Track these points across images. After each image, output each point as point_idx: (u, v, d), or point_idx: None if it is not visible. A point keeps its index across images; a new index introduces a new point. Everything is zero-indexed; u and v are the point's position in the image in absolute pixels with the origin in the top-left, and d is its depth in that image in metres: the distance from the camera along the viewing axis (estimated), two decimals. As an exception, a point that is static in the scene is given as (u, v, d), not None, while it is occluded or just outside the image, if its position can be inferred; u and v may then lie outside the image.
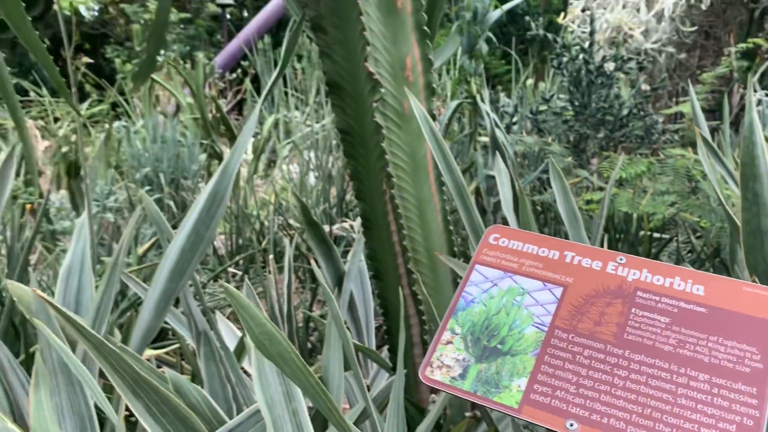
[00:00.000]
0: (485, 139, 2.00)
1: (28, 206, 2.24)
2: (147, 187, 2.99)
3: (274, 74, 1.06)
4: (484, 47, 1.87)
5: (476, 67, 1.90)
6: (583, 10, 4.32)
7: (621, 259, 0.55)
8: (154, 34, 2.77)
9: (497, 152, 1.56)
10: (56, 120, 5.07)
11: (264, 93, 1.13)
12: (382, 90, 1.01)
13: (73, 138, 4.13)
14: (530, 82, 4.29)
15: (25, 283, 1.47)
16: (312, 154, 4.11)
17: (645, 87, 3.01)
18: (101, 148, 3.79)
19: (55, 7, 1.46)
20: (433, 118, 1.07)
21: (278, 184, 4.01)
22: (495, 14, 1.89)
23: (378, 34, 0.99)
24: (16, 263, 1.54)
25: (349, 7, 0.99)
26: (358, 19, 0.98)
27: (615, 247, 2.13)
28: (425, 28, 1.03)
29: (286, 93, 5.94)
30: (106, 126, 4.37)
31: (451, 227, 1.11)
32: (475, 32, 1.84)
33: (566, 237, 1.47)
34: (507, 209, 0.98)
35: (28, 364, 1.38)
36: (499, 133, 1.90)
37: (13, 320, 1.46)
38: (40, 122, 4.74)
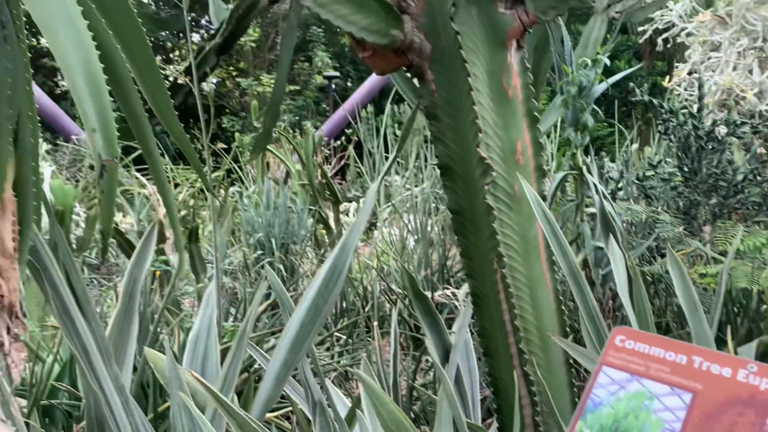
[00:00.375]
0: (592, 210, 1.98)
1: (157, 273, 2.42)
2: (259, 251, 3.16)
3: (388, 162, 1.13)
4: (589, 120, 1.88)
5: (582, 139, 1.90)
6: (690, 73, 4.21)
7: (752, 367, 0.54)
8: (270, 110, 2.99)
9: (607, 230, 1.55)
10: (176, 185, 5.48)
11: (378, 180, 1.19)
12: (494, 173, 1.05)
13: (191, 203, 4.44)
14: (635, 146, 4.19)
15: (156, 348, 1.59)
16: (412, 217, 4.18)
17: (761, 151, 2.88)
18: (218, 213, 4.06)
19: (191, 88, 1.62)
20: (544, 198, 1.09)
21: (379, 247, 4.10)
22: (600, 88, 1.90)
23: (490, 122, 1.04)
24: (148, 329, 1.67)
25: (462, 97, 1.05)
26: (471, 108, 1.04)
27: (734, 323, 2.02)
28: (535, 114, 1.07)
29: (386, 158, 6.12)
30: (222, 192, 4.68)
31: (563, 307, 1.12)
32: (580, 106, 1.86)
33: (680, 312, 1.42)
34: (622, 293, 0.98)
35: (155, 423, 1.49)
36: (606, 204, 1.88)
37: (142, 381, 1.58)
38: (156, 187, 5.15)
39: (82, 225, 4.07)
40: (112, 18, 0.85)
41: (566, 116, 1.97)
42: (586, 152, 2.78)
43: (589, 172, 2.05)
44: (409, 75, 1.19)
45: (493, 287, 1.10)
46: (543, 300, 1.08)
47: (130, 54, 0.93)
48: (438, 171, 1.15)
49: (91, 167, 5.69)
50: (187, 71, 2.09)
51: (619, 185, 3.12)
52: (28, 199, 0.84)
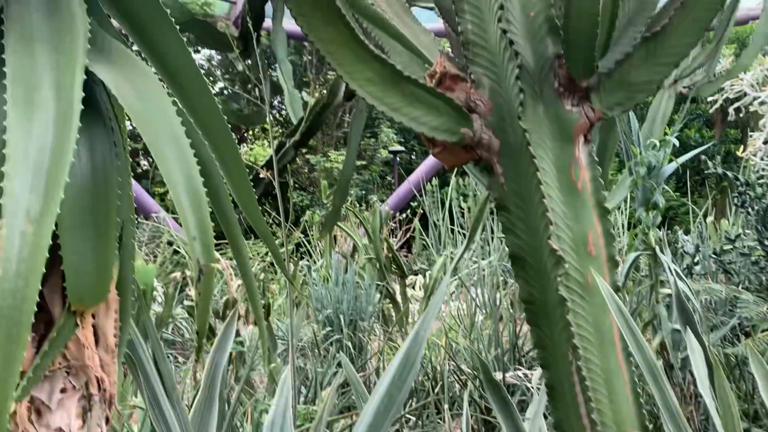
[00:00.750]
0: (667, 291, 1.93)
1: (233, 354, 2.49)
2: (328, 328, 3.20)
3: (459, 253, 1.16)
4: (660, 200, 1.87)
5: (653, 219, 1.89)
6: (765, 142, 4.10)
7: None
8: (339, 189, 3.09)
9: (684, 315, 1.51)
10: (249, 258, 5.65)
11: (452, 265, 1.23)
12: (566, 264, 1.06)
13: (262, 276, 4.57)
14: (710, 219, 4.07)
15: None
16: (479, 291, 4.15)
17: None
18: (287, 288, 4.15)
19: (271, 180, 1.72)
20: (617, 289, 1.09)
21: (446, 322, 4.07)
22: (670, 167, 1.90)
23: (560, 214, 1.07)
24: (225, 411, 1.71)
25: (531, 190, 1.08)
26: (541, 201, 1.06)
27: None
28: (605, 206, 1.08)
29: (452, 230, 6.14)
30: (292, 267, 4.80)
31: (642, 399, 1.09)
32: (650, 186, 1.86)
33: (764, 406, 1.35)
34: (702, 385, 0.95)
35: None
36: (682, 285, 1.83)
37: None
38: (233, 262, 5.33)
39: (159, 299, 4.25)
40: (208, 132, 0.94)
41: (636, 195, 1.97)
42: (659, 225, 2.73)
43: (662, 250, 2.02)
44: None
45: (569, 378, 1.09)
46: (620, 392, 1.06)
47: (222, 159, 1.01)
48: (510, 260, 1.17)
49: (170, 243, 5.97)
50: (268, 165, 2.22)
51: (696, 260, 3.02)
52: (127, 296, 0.91)
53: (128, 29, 0.98)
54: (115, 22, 1.00)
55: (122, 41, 0.93)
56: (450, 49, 1.28)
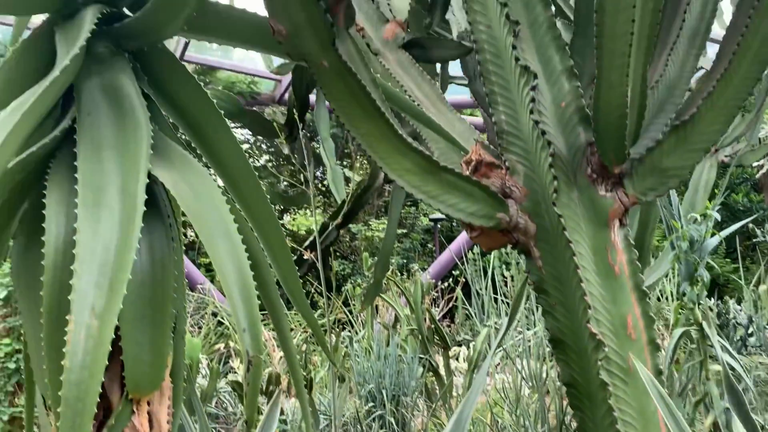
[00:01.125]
0: (717, 368, 1.88)
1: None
2: (370, 404, 3.17)
3: (501, 332, 1.18)
4: (705, 275, 1.85)
5: (699, 294, 1.86)
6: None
7: None
8: (380, 261, 3.13)
9: (734, 396, 1.47)
10: (290, 330, 5.69)
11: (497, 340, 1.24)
12: (606, 348, 1.06)
13: (304, 347, 4.58)
14: (763, 287, 3.94)
15: None
16: (525, 363, 4.06)
17: None
18: (330, 362, 4.15)
19: (314, 261, 1.77)
20: (660, 373, 1.08)
21: (491, 397, 3.98)
22: (713, 241, 1.88)
23: (598, 297, 1.08)
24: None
25: (569, 273, 1.10)
26: (579, 284, 1.08)
27: None
28: (644, 288, 1.09)
29: (495, 299, 6.07)
30: (333, 338, 4.81)
31: (691, 488, 1.06)
32: (693, 261, 1.84)
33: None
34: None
35: None
36: (732, 362, 1.78)
37: None
38: (274, 333, 5.37)
39: (203, 372, 4.29)
40: (256, 220, 1.00)
41: (679, 270, 1.94)
42: (709, 294, 2.67)
43: (710, 324, 1.97)
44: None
45: (614, 465, 1.07)
46: (668, 481, 1.03)
47: (269, 246, 1.07)
48: (550, 343, 1.18)
49: (214, 314, 6.05)
50: (312, 246, 2.29)
51: (749, 331, 2.93)
52: (179, 382, 0.96)
53: (186, 129, 1.06)
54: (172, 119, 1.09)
55: (179, 142, 1.01)
56: (485, 137, 1.33)
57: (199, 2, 0.98)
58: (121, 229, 0.78)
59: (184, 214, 0.98)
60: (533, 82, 1.10)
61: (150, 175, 0.85)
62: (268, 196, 1.10)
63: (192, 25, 1.01)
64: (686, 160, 1.07)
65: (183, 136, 1.10)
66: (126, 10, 1.02)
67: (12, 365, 3.00)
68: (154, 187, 0.90)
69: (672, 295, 4.29)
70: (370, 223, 8.78)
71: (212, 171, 1.08)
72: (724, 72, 1.01)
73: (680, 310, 2.01)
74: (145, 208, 0.80)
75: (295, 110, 2.27)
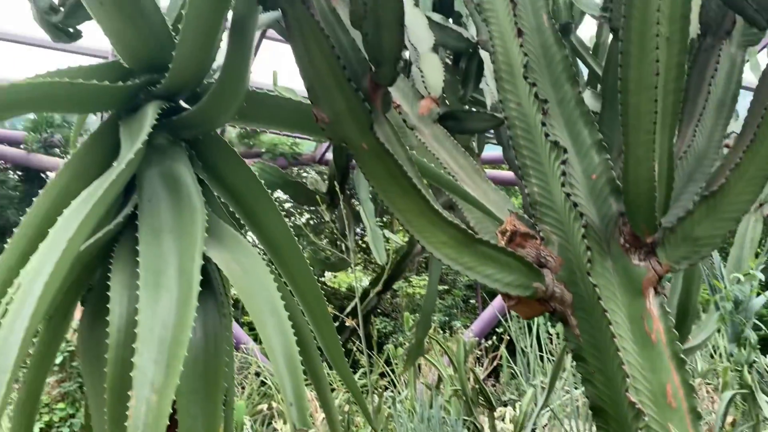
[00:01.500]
0: (771, 433, 1.82)
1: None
2: (414, 467, 3.13)
3: (546, 393, 1.18)
4: (752, 336, 1.82)
5: (747, 356, 1.82)
6: None
7: None
8: (422, 322, 3.14)
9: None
10: (332, 390, 5.66)
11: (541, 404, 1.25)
12: (645, 418, 1.07)
13: (347, 408, 4.56)
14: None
15: None
16: (573, 423, 3.95)
17: None
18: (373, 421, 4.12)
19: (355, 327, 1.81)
20: (703, 443, 1.08)
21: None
22: (759, 301, 1.86)
23: (636, 366, 1.09)
24: None
25: (606, 341, 1.12)
26: (616, 353, 1.10)
27: None
28: (682, 356, 1.10)
29: (541, 357, 5.95)
30: (376, 398, 4.78)
31: None
32: (739, 321, 1.82)
33: None
34: None
35: None
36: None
37: None
38: (315, 393, 5.35)
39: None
40: (304, 297, 1.06)
41: (726, 331, 1.92)
42: (763, 350, 2.60)
43: (761, 388, 1.92)
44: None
45: None
46: None
47: (314, 318, 1.12)
48: (591, 411, 1.18)
49: (257, 374, 6.09)
50: (353, 313, 2.34)
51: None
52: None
53: (236, 208, 1.14)
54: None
55: (231, 222, 1.08)
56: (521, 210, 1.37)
57: (249, 94, 1.07)
58: (178, 309, 0.84)
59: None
60: (563, 156, 1.15)
61: (204, 256, 0.92)
62: (312, 267, 1.16)
63: (242, 113, 1.10)
64: (717, 229, 1.09)
65: (233, 213, 1.18)
66: (182, 103, 1.12)
67: (66, 430, 3.08)
68: (207, 267, 0.97)
69: (726, 351, 4.16)
70: (411, 279, 8.79)
71: (260, 247, 1.15)
72: (750, 143, 1.04)
73: (729, 372, 1.96)
74: (200, 288, 0.87)
75: (335, 181, 2.37)
